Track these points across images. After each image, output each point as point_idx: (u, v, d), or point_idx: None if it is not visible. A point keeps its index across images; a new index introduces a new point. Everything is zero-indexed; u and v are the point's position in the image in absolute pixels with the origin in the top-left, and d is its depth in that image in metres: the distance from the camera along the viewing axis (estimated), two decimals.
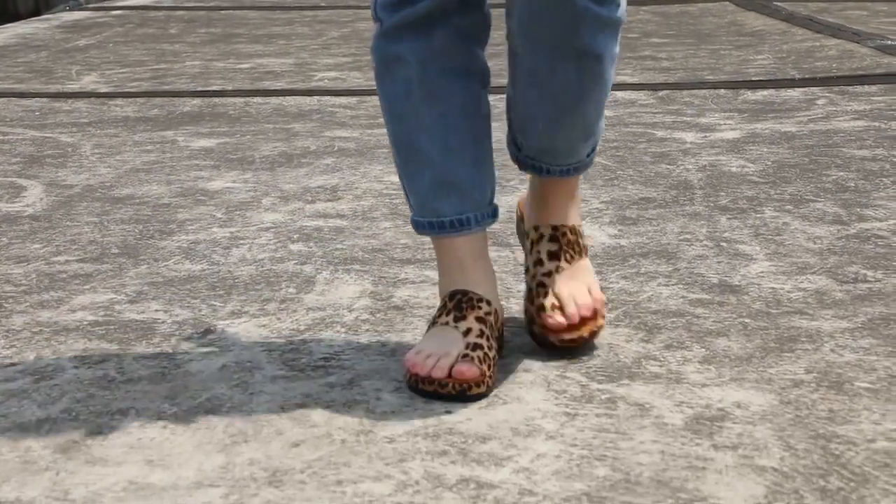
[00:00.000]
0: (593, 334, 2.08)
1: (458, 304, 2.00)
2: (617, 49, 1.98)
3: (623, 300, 2.34)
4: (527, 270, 2.13)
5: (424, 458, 1.69)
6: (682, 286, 2.42)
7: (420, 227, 2.05)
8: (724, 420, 1.79)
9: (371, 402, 1.89)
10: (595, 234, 2.82)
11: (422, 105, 1.97)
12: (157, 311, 2.34)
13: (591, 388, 1.92)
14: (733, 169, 3.46)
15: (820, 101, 4.55)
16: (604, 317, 2.10)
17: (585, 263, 2.13)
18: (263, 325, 2.25)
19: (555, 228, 2.12)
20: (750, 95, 4.73)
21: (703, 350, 2.08)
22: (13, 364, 2.08)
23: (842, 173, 3.37)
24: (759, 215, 2.95)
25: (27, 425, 1.82)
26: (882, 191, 3.16)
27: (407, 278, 2.51)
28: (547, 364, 2.02)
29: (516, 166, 2.12)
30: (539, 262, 2.11)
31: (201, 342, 2.17)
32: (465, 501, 1.55)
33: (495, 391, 1.92)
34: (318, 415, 1.84)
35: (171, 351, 2.13)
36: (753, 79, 5.10)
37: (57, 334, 2.22)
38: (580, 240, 2.14)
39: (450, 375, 1.90)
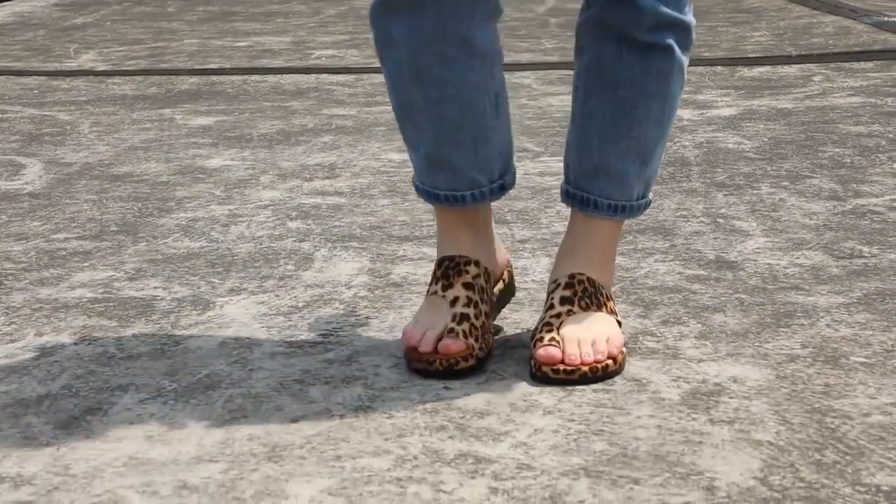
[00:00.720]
0: (599, 372, 1.88)
1: (444, 271, 1.98)
2: (684, 65, 1.94)
3: (620, 276, 2.34)
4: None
5: (423, 433, 1.69)
6: (678, 262, 2.43)
7: (419, 190, 2.01)
8: (720, 395, 1.80)
9: (370, 378, 1.90)
10: None
11: (413, 87, 1.90)
12: (156, 288, 2.35)
13: None
14: (730, 145, 3.46)
15: (816, 78, 4.55)
16: (618, 361, 1.90)
17: (608, 317, 1.96)
18: (262, 302, 2.26)
19: (571, 276, 1.97)
20: (747, 72, 4.73)
21: (700, 325, 2.08)
22: (13, 341, 2.09)
23: (838, 149, 3.38)
24: (755, 191, 2.95)
25: (27, 401, 1.83)
26: (878, 167, 3.17)
27: (405, 255, 2.52)
28: None
29: (564, 204, 2.03)
30: (550, 307, 1.96)
31: (200, 319, 2.18)
32: (464, 476, 1.56)
33: (493, 367, 1.92)
34: (316, 391, 1.85)
35: (170, 328, 2.13)
36: (750, 55, 5.10)
37: (57, 311, 2.23)
38: (603, 298, 1.97)
39: (436, 350, 1.91)
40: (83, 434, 1.71)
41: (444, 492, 1.52)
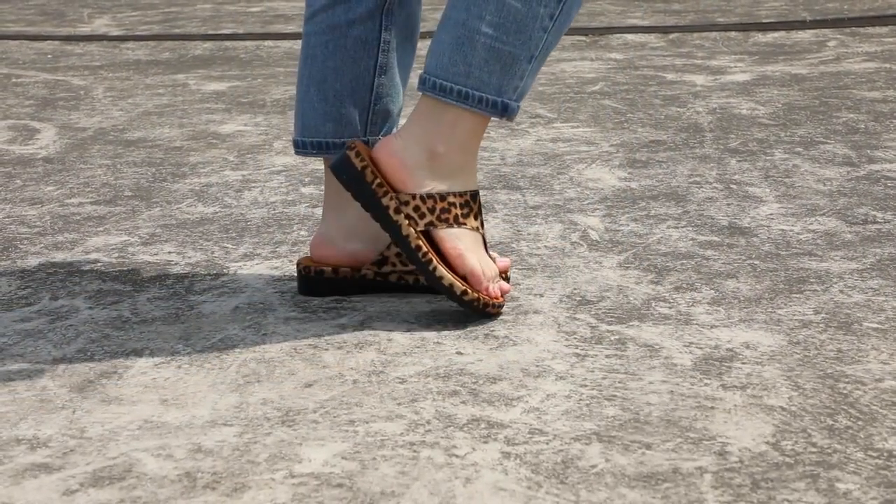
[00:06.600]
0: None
1: (481, 206, 2.01)
2: None
3: (633, 242, 2.35)
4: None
5: (436, 398, 1.70)
6: (691, 228, 2.43)
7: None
8: (732, 360, 1.80)
9: (382, 343, 1.90)
10: (605, 177, 2.82)
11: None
12: (170, 252, 2.36)
13: (601, 329, 1.93)
14: (743, 111, 3.46)
15: (831, 43, 4.54)
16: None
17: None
18: (275, 268, 2.26)
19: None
20: (761, 38, 4.71)
21: (713, 291, 2.09)
22: (28, 304, 2.09)
23: (852, 115, 3.37)
24: (768, 157, 2.95)
25: (43, 365, 1.84)
26: (892, 132, 3.16)
27: None
28: (557, 306, 2.03)
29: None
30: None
31: (214, 284, 2.18)
32: (476, 441, 1.57)
33: (505, 333, 1.93)
34: (329, 356, 1.86)
35: (184, 292, 2.14)
36: (764, 21, 5.08)
37: (71, 275, 2.23)
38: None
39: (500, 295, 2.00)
40: (98, 397, 1.72)
41: (457, 456, 1.53)
